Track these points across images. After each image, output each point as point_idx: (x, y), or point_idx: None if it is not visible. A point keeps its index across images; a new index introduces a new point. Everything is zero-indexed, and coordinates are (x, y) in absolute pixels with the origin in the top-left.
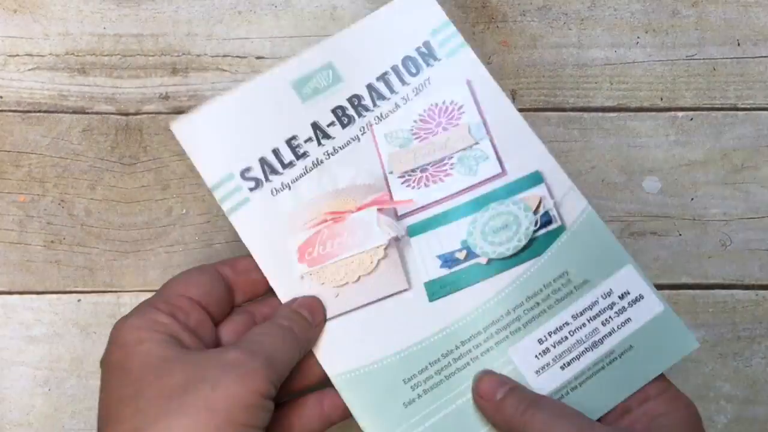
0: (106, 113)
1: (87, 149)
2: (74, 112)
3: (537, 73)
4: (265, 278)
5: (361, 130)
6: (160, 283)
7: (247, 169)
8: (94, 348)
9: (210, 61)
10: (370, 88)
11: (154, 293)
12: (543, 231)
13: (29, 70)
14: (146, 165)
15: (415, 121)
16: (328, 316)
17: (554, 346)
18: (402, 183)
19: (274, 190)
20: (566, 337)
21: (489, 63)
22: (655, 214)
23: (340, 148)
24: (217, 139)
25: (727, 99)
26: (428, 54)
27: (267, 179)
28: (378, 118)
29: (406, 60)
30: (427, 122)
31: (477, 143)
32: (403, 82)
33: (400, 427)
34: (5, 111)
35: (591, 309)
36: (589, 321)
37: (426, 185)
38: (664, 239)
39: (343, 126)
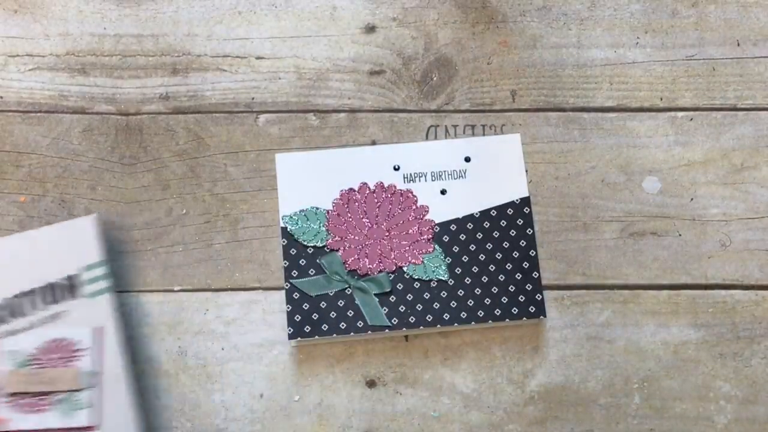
0: (106, 113)
1: (87, 149)
2: (74, 113)
3: (537, 73)
4: None
5: None
6: (160, 283)
7: None
8: None
9: (210, 62)
10: (9, 302)
11: (154, 292)
12: None
13: (29, 70)
14: (146, 165)
15: (37, 348)
16: None
17: None
18: (7, 401)
19: None
20: None
21: (489, 63)
22: (655, 214)
23: None
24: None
25: (727, 99)
26: (71, 288)
27: None
28: (9, 332)
29: (50, 287)
30: (46, 353)
31: (81, 390)
32: (43, 305)
33: None
34: (5, 111)
35: None
36: None
37: (26, 412)
38: (664, 239)
39: None
